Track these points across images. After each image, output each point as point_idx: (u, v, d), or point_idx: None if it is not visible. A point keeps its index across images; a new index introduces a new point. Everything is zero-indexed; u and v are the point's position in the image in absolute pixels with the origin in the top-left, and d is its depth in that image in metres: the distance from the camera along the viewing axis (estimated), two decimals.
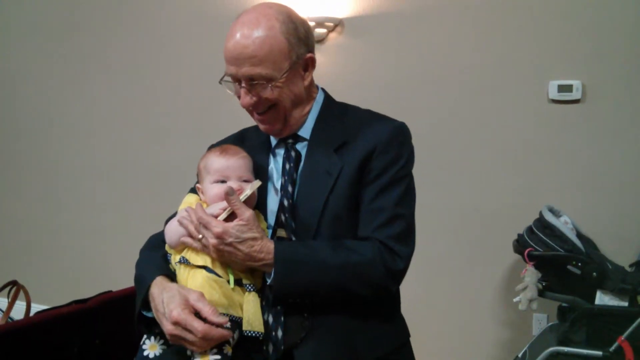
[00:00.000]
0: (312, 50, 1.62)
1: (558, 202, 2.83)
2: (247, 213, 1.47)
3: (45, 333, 1.78)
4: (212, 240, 1.44)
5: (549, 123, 2.97)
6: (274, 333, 1.49)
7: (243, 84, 1.54)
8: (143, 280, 1.50)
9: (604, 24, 2.85)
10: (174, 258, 1.54)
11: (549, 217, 2.62)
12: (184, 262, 1.50)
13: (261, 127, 1.65)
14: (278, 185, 1.62)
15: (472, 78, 3.10)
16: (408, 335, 1.69)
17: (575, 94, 2.89)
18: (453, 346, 3.17)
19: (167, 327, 1.37)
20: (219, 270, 1.47)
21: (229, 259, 1.47)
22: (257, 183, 1.52)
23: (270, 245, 1.47)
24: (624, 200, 2.88)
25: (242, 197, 1.48)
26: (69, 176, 4.17)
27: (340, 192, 1.55)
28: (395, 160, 1.58)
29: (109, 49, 3.95)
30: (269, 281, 1.49)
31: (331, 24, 3.26)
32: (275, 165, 1.66)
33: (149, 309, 1.47)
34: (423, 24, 3.17)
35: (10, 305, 2.75)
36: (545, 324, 2.96)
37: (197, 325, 1.34)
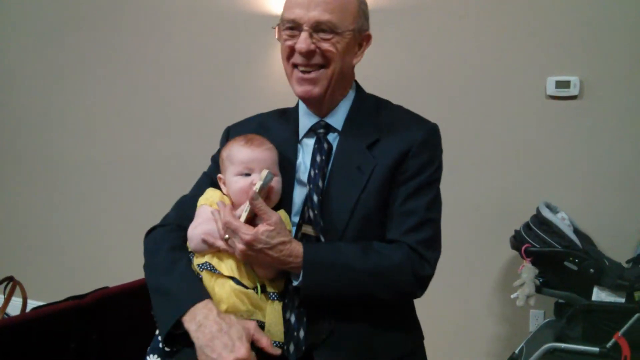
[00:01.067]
0: (369, 29, 1.60)
1: (555, 199, 2.84)
2: (274, 217, 1.42)
3: (42, 329, 1.77)
4: (241, 246, 1.39)
5: (547, 119, 2.97)
6: (295, 333, 1.47)
7: (306, 28, 1.48)
8: (177, 298, 1.40)
9: (601, 20, 2.85)
10: (197, 260, 1.48)
11: (546, 214, 2.62)
12: (209, 269, 1.45)
13: (301, 89, 1.55)
14: (305, 178, 1.56)
15: (470, 74, 3.10)
16: (422, 337, 1.67)
17: (573, 90, 2.89)
18: (450, 342, 3.17)
19: (228, 359, 1.29)
20: (245, 280, 1.43)
21: (255, 262, 1.43)
22: (265, 172, 1.44)
23: (299, 249, 1.43)
24: (621, 196, 2.88)
25: (256, 187, 1.41)
26: (65, 172, 4.15)
27: (372, 191, 1.51)
28: (429, 163, 1.55)
29: (108, 46, 3.92)
30: (295, 283, 1.45)
31: None
32: (303, 157, 1.60)
33: (176, 327, 1.39)
34: (419, 20, 3.17)
35: (7, 301, 2.74)
36: (542, 320, 2.96)
37: None
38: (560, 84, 2.91)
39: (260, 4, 3.45)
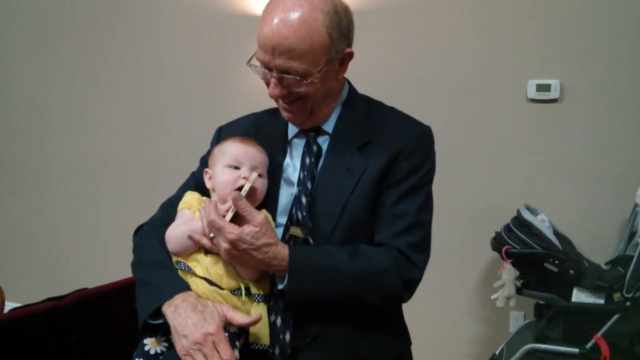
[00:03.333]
0: (351, 44, 1.51)
1: (535, 201, 2.86)
2: (259, 217, 1.39)
3: (20, 330, 1.75)
4: (225, 245, 1.36)
5: (528, 122, 3.00)
6: (281, 336, 1.45)
7: (274, 74, 1.42)
8: (159, 288, 1.41)
9: (581, 25, 2.88)
10: (175, 257, 1.49)
11: (527, 215, 2.64)
12: (184, 268, 1.45)
13: (284, 114, 1.54)
14: (294, 179, 1.54)
15: (451, 77, 3.12)
16: (410, 343, 1.65)
17: (553, 94, 2.92)
18: (431, 343, 3.18)
19: (197, 335, 1.30)
20: (228, 282, 1.42)
21: (239, 262, 1.41)
22: (254, 175, 1.44)
23: (284, 252, 1.40)
24: (600, 198, 2.91)
25: (243, 192, 1.40)
26: (43, 174, 4.11)
27: (361, 193, 1.48)
28: (420, 165, 1.52)
29: (100, 50, 3.88)
30: (281, 286, 1.43)
31: None
32: (291, 158, 1.58)
33: (155, 318, 1.40)
34: (401, 23, 3.18)
35: None
36: (522, 322, 2.98)
37: (228, 350, 1.30)
38: (541, 87, 2.94)
39: (251, 5, 3.43)
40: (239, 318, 1.35)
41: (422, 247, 1.51)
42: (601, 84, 2.87)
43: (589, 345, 2.46)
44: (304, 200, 1.50)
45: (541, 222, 2.65)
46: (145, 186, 3.76)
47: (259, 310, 1.42)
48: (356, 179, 1.49)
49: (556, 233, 2.66)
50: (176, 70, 3.70)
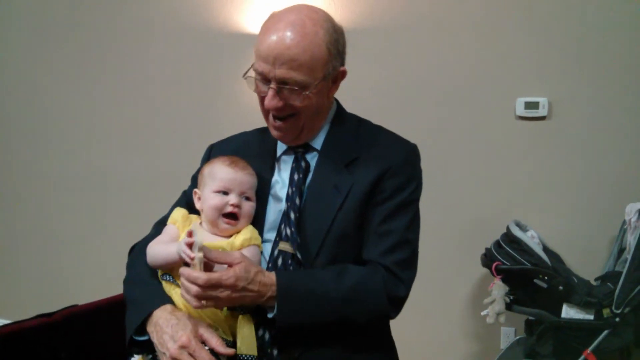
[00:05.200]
0: (344, 63, 1.57)
1: (525, 217, 2.88)
2: (235, 253, 1.40)
3: (9, 347, 1.74)
4: (225, 294, 1.34)
5: (516, 139, 3.02)
6: (269, 350, 1.46)
7: (273, 85, 1.45)
8: (141, 305, 1.45)
9: (570, 43, 2.91)
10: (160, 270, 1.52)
11: (516, 232, 2.65)
12: (168, 279, 1.48)
13: (274, 133, 1.57)
14: (282, 195, 1.57)
15: (441, 95, 3.14)
16: (397, 359, 1.66)
17: (542, 111, 2.94)
18: (421, 359, 3.18)
19: (172, 350, 1.33)
20: None
21: (236, 304, 1.40)
22: (199, 256, 1.36)
23: (272, 277, 1.41)
24: (589, 215, 2.92)
25: (192, 267, 1.36)
26: (33, 189, 4.09)
27: (348, 210, 1.50)
28: (406, 183, 1.54)
29: (93, 63, 3.88)
30: (270, 315, 1.43)
31: None
32: (280, 174, 1.60)
33: (141, 334, 1.43)
34: (391, 41, 3.20)
35: None
36: (512, 338, 2.98)
37: (205, 355, 1.33)
38: (530, 105, 2.96)
39: (247, 24, 3.45)
40: (214, 343, 1.36)
41: (409, 264, 1.53)
42: (589, 101, 2.90)
43: None
44: (292, 215, 1.51)
45: (531, 238, 2.66)
46: (139, 202, 3.75)
47: (244, 321, 1.43)
48: (343, 196, 1.51)
49: (545, 249, 2.67)
50: (171, 87, 3.70)
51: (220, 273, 1.35)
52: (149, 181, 3.72)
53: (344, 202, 1.50)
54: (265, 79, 1.47)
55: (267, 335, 1.46)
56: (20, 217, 4.17)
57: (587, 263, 2.87)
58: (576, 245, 2.93)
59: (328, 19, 1.51)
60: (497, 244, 2.69)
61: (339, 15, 3.13)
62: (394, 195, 1.52)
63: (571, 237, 2.94)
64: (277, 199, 1.57)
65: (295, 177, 1.56)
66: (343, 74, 1.57)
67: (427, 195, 3.09)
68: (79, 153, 3.96)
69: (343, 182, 1.52)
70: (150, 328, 1.41)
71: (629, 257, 2.48)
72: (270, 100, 1.47)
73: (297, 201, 1.53)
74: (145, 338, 1.43)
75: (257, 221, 1.55)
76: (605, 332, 2.47)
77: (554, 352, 2.55)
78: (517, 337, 2.89)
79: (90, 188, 3.93)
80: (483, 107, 3.07)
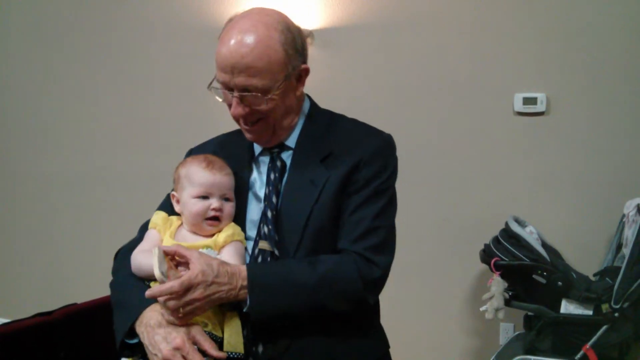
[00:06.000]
0: (306, 61, 1.57)
1: (524, 213, 2.88)
2: (193, 252, 1.40)
3: (9, 346, 1.74)
4: (199, 291, 1.35)
5: (515, 135, 3.02)
6: (254, 348, 1.47)
7: (235, 94, 1.47)
8: (130, 307, 1.45)
9: (568, 38, 2.91)
10: None
11: (515, 227, 2.65)
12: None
13: (248, 136, 1.59)
14: (261, 194, 1.58)
15: (439, 90, 3.14)
16: (387, 346, 1.67)
17: (540, 107, 2.94)
18: (421, 355, 3.18)
19: (165, 352, 1.33)
20: None
21: (215, 302, 1.40)
22: (156, 252, 1.38)
23: (239, 267, 1.42)
24: (588, 210, 2.93)
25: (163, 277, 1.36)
26: (31, 187, 4.09)
27: (324, 202, 1.52)
28: (379, 172, 1.56)
29: (90, 63, 3.88)
30: (245, 309, 1.43)
31: None
32: (259, 174, 1.62)
33: (132, 336, 1.43)
34: (390, 37, 3.20)
35: None
36: (511, 333, 2.99)
37: (198, 358, 1.33)
38: (528, 101, 2.96)
39: None
40: (207, 346, 1.37)
41: (382, 249, 1.54)
42: (587, 96, 2.90)
43: (578, 356, 2.47)
44: (269, 214, 1.54)
45: (529, 234, 2.66)
46: (138, 202, 3.73)
47: (231, 319, 1.44)
48: (319, 189, 1.52)
49: (544, 245, 2.67)
50: (174, 86, 3.70)
51: (186, 273, 1.36)
52: (149, 181, 3.71)
53: (319, 196, 1.52)
54: (227, 88, 1.49)
55: (251, 333, 1.47)
56: (19, 216, 4.17)
57: (585, 258, 2.87)
58: (575, 240, 2.93)
59: (281, 20, 1.51)
60: (496, 240, 2.69)
61: (334, 13, 3.13)
62: (366, 185, 1.54)
63: (570, 233, 2.94)
64: (258, 198, 1.59)
65: (272, 176, 1.58)
66: (306, 71, 1.57)
67: (427, 191, 3.13)
68: (77, 153, 3.96)
69: (319, 177, 1.54)
70: (140, 329, 1.41)
71: (628, 252, 2.48)
72: (235, 109, 1.50)
73: (274, 200, 1.55)
74: (135, 341, 1.43)
75: (239, 221, 1.57)
76: (604, 327, 2.47)
77: (553, 347, 2.55)
78: (516, 333, 2.90)
79: (89, 187, 3.93)
80: (481, 102, 3.07)
